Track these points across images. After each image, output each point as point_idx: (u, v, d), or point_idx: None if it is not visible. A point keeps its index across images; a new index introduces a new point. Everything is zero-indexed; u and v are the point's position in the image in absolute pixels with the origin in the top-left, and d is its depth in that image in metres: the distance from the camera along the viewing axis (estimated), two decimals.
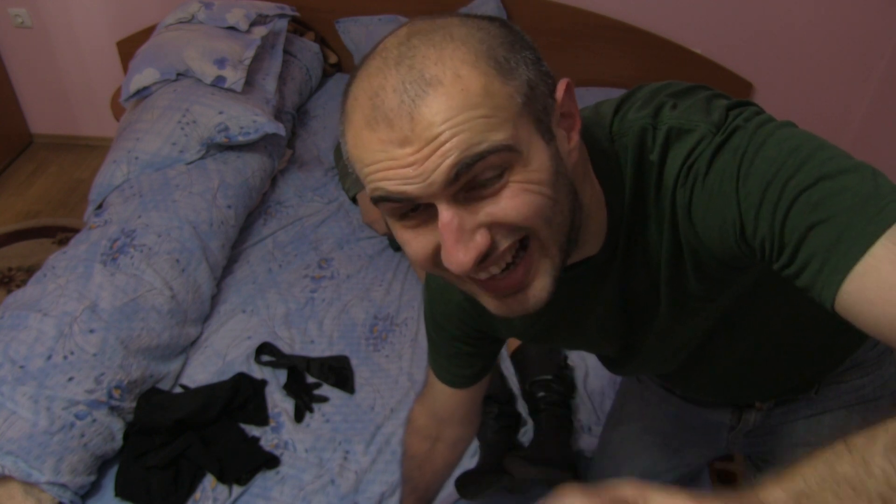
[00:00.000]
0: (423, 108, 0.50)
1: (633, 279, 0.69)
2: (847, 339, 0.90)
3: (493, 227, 0.55)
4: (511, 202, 0.53)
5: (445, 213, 0.53)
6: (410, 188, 0.52)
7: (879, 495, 0.39)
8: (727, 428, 1.04)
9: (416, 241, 0.57)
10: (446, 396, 0.97)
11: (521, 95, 0.54)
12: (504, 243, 0.56)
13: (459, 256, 0.53)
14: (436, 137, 0.50)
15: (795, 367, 0.90)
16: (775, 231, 0.54)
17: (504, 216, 0.54)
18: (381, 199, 0.55)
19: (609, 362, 0.92)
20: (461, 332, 0.88)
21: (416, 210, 0.56)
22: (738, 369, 0.87)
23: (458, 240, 0.53)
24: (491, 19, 0.58)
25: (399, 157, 0.52)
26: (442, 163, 0.51)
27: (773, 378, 0.91)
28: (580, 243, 0.63)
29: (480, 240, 0.54)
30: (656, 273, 0.67)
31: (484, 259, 0.55)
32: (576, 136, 0.59)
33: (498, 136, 0.52)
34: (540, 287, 0.59)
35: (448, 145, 0.51)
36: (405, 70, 0.52)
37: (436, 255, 0.57)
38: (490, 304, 0.61)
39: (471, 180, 0.53)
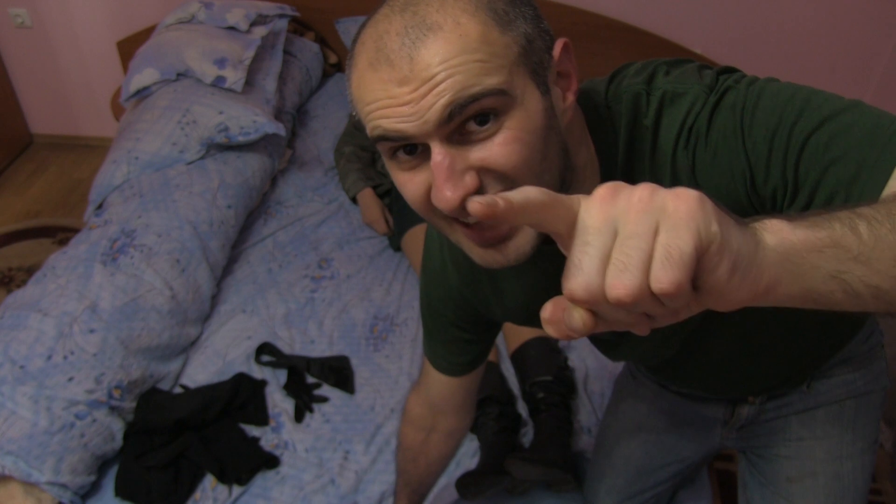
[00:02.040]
0: (423, 49, 0.53)
1: None
2: (837, 330, 0.91)
3: (482, 171, 0.56)
4: (501, 149, 0.55)
5: (438, 153, 0.55)
6: (406, 126, 0.54)
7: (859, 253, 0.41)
8: (721, 423, 1.05)
9: (411, 183, 0.59)
10: (441, 385, 0.98)
11: (517, 46, 0.56)
12: (491, 191, 0.56)
13: (447, 194, 0.54)
14: (432, 77, 0.53)
15: (786, 360, 0.91)
16: (788, 176, 0.56)
17: (493, 161, 0.55)
18: (379, 138, 0.57)
19: (600, 343, 0.92)
20: (457, 317, 0.89)
21: (413, 153, 0.57)
22: (730, 361, 0.88)
23: (447, 178, 0.54)
24: None
25: (397, 96, 0.54)
26: (436, 102, 0.53)
27: (765, 371, 0.92)
28: None
29: (469, 180, 0.55)
30: None
31: None
32: (571, 97, 0.61)
33: (492, 80, 0.53)
34: (523, 241, 0.59)
35: (443, 85, 0.53)
36: (409, 16, 0.54)
37: (429, 196, 0.58)
38: (474, 253, 0.62)
39: (464, 122, 0.54)
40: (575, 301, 0.37)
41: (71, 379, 1.44)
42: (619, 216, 0.36)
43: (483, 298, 0.84)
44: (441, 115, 0.53)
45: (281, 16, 2.58)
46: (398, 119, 0.55)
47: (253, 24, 2.45)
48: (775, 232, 0.40)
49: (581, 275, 0.36)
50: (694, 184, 0.62)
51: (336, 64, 2.89)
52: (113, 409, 1.47)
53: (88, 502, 1.39)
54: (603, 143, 0.65)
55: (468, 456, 1.46)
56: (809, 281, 0.40)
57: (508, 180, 0.56)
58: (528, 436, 1.53)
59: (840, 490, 1.00)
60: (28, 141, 3.32)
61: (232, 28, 2.42)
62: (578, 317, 0.37)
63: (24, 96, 3.22)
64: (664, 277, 0.34)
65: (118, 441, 1.46)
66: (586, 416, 1.55)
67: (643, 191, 0.37)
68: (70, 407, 1.41)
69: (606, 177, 0.65)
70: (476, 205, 0.36)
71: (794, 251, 0.40)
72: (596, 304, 0.36)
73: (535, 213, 0.37)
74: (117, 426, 1.46)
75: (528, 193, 0.37)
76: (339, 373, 1.65)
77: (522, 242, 0.59)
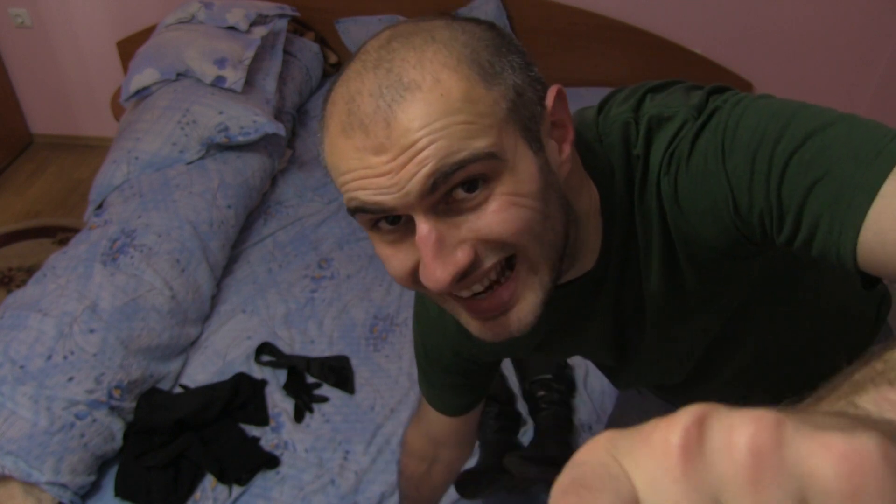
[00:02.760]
0: (400, 113, 0.48)
1: (628, 284, 0.66)
2: (848, 345, 0.87)
3: (477, 243, 0.51)
4: (496, 216, 0.50)
5: (423, 226, 0.50)
6: (386, 198, 0.50)
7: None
8: None
9: (395, 258, 0.54)
10: (441, 422, 0.94)
11: (506, 101, 0.51)
12: (489, 261, 0.52)
13: (437, 273, 0.50)
14: (412, 144, 0.48)
15: (795, 380, 0.87)
16: (772, 200, 0.51)
17: (489, 231, 0.51)
18: (356, 210, 0.52)
19: (609, 371, 0.89)
20: (453, 365, 0.84)
21: (396, 224, 0.53)
22: (738, 385, 0.85)
23: (436, 255, 0.50)
24: (479, 22, 0.55)
25: (374, 166, 0.49)
26: (418, 171, 0.48)
27: (774, 391, 0.88)
28: (578, 257, 0.60)
29: (461, 256, 0.51)
30: (649, 270, 0.64)
31: (465, 276, 0.52)
32: (568, 148, 0.56)
33: (479, 144, 0.49)
34: (526, 310, 0.55)
35: (425, 153, 0.48)
36: (383, 74, 0.49)
37: (416, 271, 0.54)
38: (472, 326, 0.57)
39: (451, 191, 0.50)
40: None
41: (71, 379, 1.44)
42: (719, 486, 0.19)
43: (482, 343, 0.81)
44: (424, 187, 0.48)
45: (281, 16, 2.58)
46: (376, 191, 0.50)
47: (253, 24, 2.46)
48: None
49: None
50: (678, 211, 0.58)
51: (336, 64, 2.90)
52: (113, 409, 1.47)
53: (88, 502, 1.39)
54: (602, 180, 0.60)
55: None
56: None
57: (508, 247, 0.52)
58: (527, 434, 1.53)
59: None
60: (28, 141, 3.32)
61: (232, 28, 2.42)
62: None
63: (24, 96, 3.22)
64: None
65: (118, 441, 1.46)
66: (586, 414, 1.55)
67: (758, 433, 0.19)
68: (70, 407, 1.41)
69: (608, 218, 0.61)
70: None
71: None
72: None
73: None
74: (117, 426, 1.47)
75: None
76: (339, 373, 1.65)
77: (526, 312, 0.55)
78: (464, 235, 0.51)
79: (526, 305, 0.55)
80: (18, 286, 2.16)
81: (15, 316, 1.55)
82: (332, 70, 2.88)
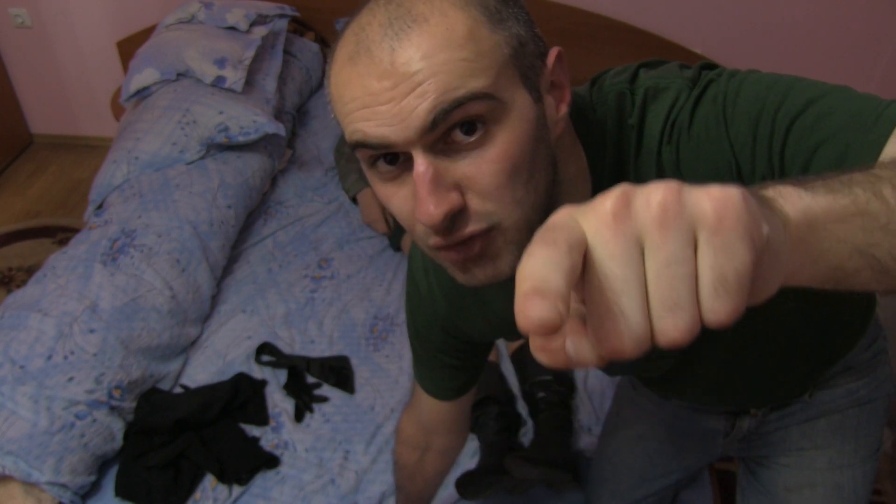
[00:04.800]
0: (406, 41, 0.49)
1: None
2: (838, 338, 0.88)
3: (465, 187, 0.52)
4: (491, 166, 0.51)
5: (420, 163, 0.51)
6: (388, 130, 0.51)
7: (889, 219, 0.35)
8: (722, 434, 1.03)
9: (396, 196, 0.55)
10: (433, 407, 0.95)
11: (508, 47, 0.52)
12: (474, 208, 0.53)
13: (430, 208, 0.51)
14: (414, 74, 0.49)
15: (785, 370, 0.88)
16: (775, 163, 0.53)
17: (480, 180, 0.52)
18: (358, 145, 0.53)
19: None
20: (444, 344, 0.85)
21: (395, 163, 0.54)
22: (728, 374, 0.85)
23: (430, 191, 0.51)
24: None
25: (376, 92, 0.50)
26: (419, 105, 0.49)
27: (764, 382, 0.89)
28: None
29: (454, 197, 0.52)
30: None
31: (452, 225, 0.53)
32: (564, 108, 0.57)
33: (478, 83, 0.50)
34: (504, 265, 0.56)
35: (425, 86, 0.49)
36: (394, 7, 0.51)
37: None
38: (457, 275, 0.58)
39: (450, 131, 0.51)
40: (620, 356, 0.30)
41: (71, 379, 1.44)
42: (642, 233, 0.29)
43: (470, 319, 0.80)
44: (425, 122, 0.50)
45: (281, 16, 2.58)
46: (378, 122, 0.51)
47: (253, 24, 2.46)
48: (794, 202, 0.34)
49: (624, 323, 0.29)
50: (679, 178, 0.59)
51: None
52: (113, 409, 1.47)
53: (88, 502, 1.39)
54: (593, 147, 0.62)
55: (468, 456, 1.46)
56: (835, 257, 0.35)
57: (492, 200, 0.53)
58: (527, 435, 1.53)
59: (840, 500, 0.97)
60: (28, 141, 3.32)
61: (232, 28, 2.42)
62: (591, 352, 0.30)
63: (24, 96, 3.22)
64: (721, 308, 0.28)
65: (118, 441, 1.46)
66: (586, 416, 1.55)
67: (666, 194, 0.29)
68: (70, 407, 1.41)
69: (596, 183, 0.62)
70: (531, 322, 0.27)
71: (819, 224, 0.34)
72: (641, 352, 0.30)
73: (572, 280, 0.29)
74: (117, 426, 1.46)
75: (562, 266, 0.28)
76: (339, 373, 1.65)
77: (503, 267, 0.56)
78: (458, 178, 0.52)
79: (504, 261, 0.56)
80: (18, 286, 2.16)
81: (15, 316, 1.55)
82: None
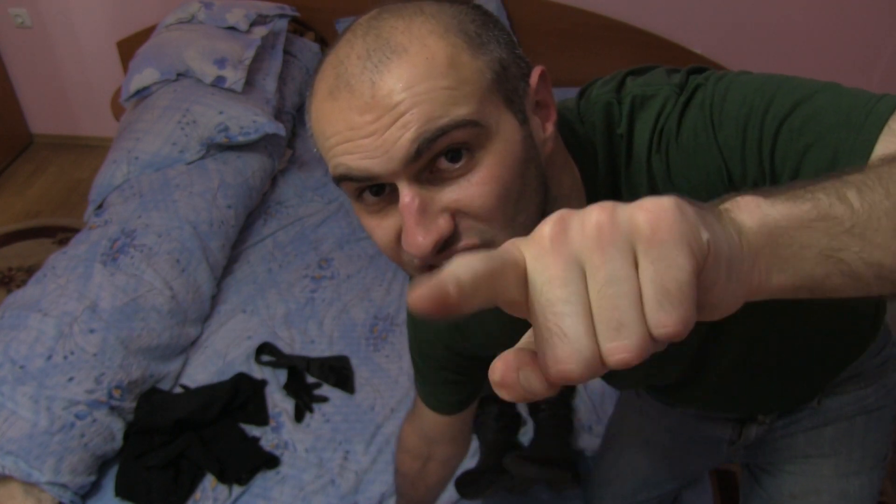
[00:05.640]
0: (386, 73, 0.49)
1: None
2: (844, 344, 0.87)
3: (457, 213, 0.52)
4: (479, 189, 0.51)
5: (406, 194, 0.51)
6: (371, 163, 0.50)
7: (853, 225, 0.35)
8: (727, 441, 1.01)
9: (379, 228, 0.55)
10: (435, 420, 0.94)
11: (490, 71, 0.51)
12: (468, 234, 0.53)
13: (418, 239, 0.50)
14: (396, 106, 0.48)
15: (792, 377, 0.87)
16: (766, 167, 0.52)
17: (469, 203, 0.51)
18: (342, 178, 0.52)
19: None
20: (447, 360, 0.85)
21: (380, 194, 0.53)
22: (734, 382, 0.84)
23: (418, 221, 0.50)
24: (467, 2, 0.56)
25: (359, 126, 0.49)
26: (402, 136, 0.49)
27: (771, 389, 0.88)
28: None
29: (443, 223, 0.51)
30: None
31: (445, 247, 0.52)
32: (551, 127, 0.56)
33: (461, 111, 0.49)
34: None
35: (408, 116, 0.48)
36: (371, 39, 0.50)
37: (400, 241, 0.54)
38: None
39: (434, 159, 0.50)
40: (568, 379, 0.30)
41: (71, 379, 1.44)
42: (580, 254, 0.29)
43: (472, 333, 0.80)
44: (408, 152, 0.49)
45: (281, 16, 2.58)
46: (362, 155, 0.50)
47: (253, 24, 2.46)
48: (751, 211, 0.34)
49: (569, 344, 0.29)
50: (671, 187, 0.58)
51: None
52: (113, 409, 1.47)
53: (88, 502, 1.39)
54: (584, 161, 0.61)
55: (468, 456, 1.46)
56: (801, 264, 0.35)
57: (484, 221, 0.52)
58: (527, 435, 1.53)
59: None
60: (28, 141, 3.32)
61: (232, 28, 2.42)
62: (539, 381, 0.31)
63: (24, 96, 3.22)
64: (667, 320, 0.28)
65: (118, 441, 1.46)
66: (586, 415, 1.55)
67: (599, 214, 0.29)
68: (70, 407, 1.41)
69: (591, 196, 0.61)
70: (421, 299, 0.27)
71: (778, 230, 0.34)
72: (593, 375, 0.30)
73: (486, 286, 0.29)
74: (117, 426, 1.47)
75: (473, 266, 0.28)
76: (339, 373, 1.65)
77: None
78: (445, 204, 0.51)
79: None
80: (18, 286, 2.16)
81: (15, 316, 1.55)
82: None
